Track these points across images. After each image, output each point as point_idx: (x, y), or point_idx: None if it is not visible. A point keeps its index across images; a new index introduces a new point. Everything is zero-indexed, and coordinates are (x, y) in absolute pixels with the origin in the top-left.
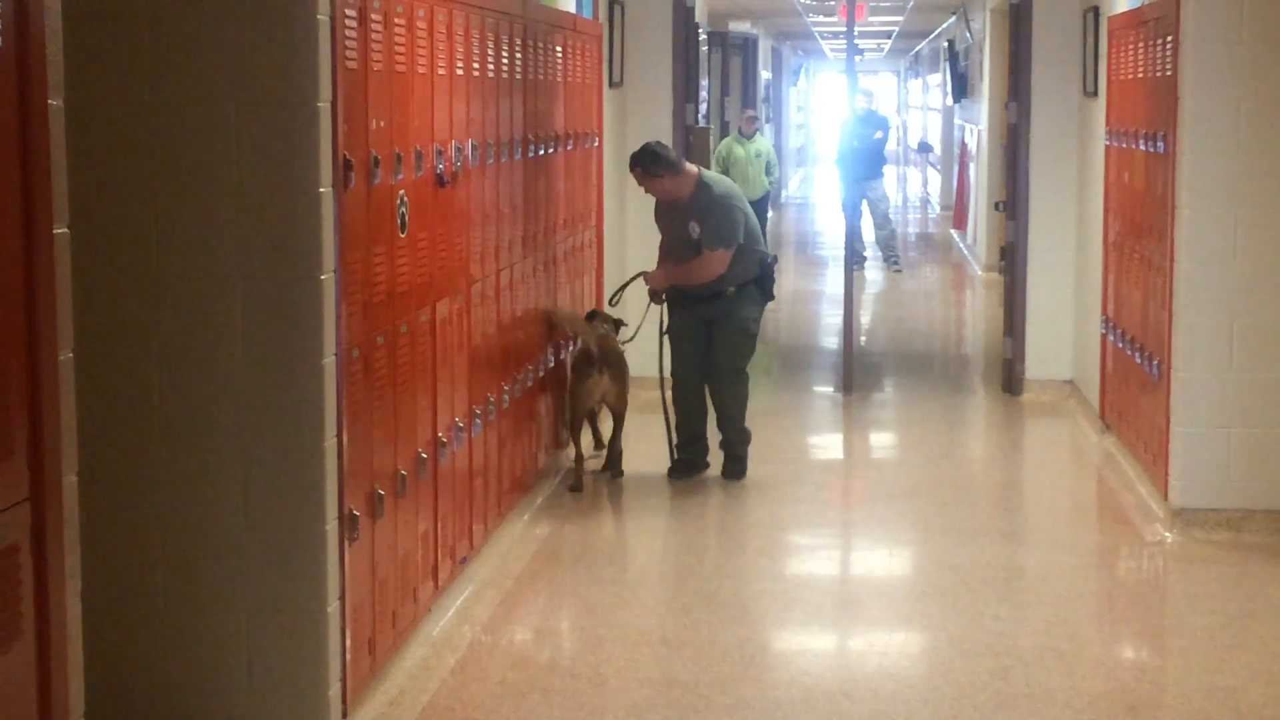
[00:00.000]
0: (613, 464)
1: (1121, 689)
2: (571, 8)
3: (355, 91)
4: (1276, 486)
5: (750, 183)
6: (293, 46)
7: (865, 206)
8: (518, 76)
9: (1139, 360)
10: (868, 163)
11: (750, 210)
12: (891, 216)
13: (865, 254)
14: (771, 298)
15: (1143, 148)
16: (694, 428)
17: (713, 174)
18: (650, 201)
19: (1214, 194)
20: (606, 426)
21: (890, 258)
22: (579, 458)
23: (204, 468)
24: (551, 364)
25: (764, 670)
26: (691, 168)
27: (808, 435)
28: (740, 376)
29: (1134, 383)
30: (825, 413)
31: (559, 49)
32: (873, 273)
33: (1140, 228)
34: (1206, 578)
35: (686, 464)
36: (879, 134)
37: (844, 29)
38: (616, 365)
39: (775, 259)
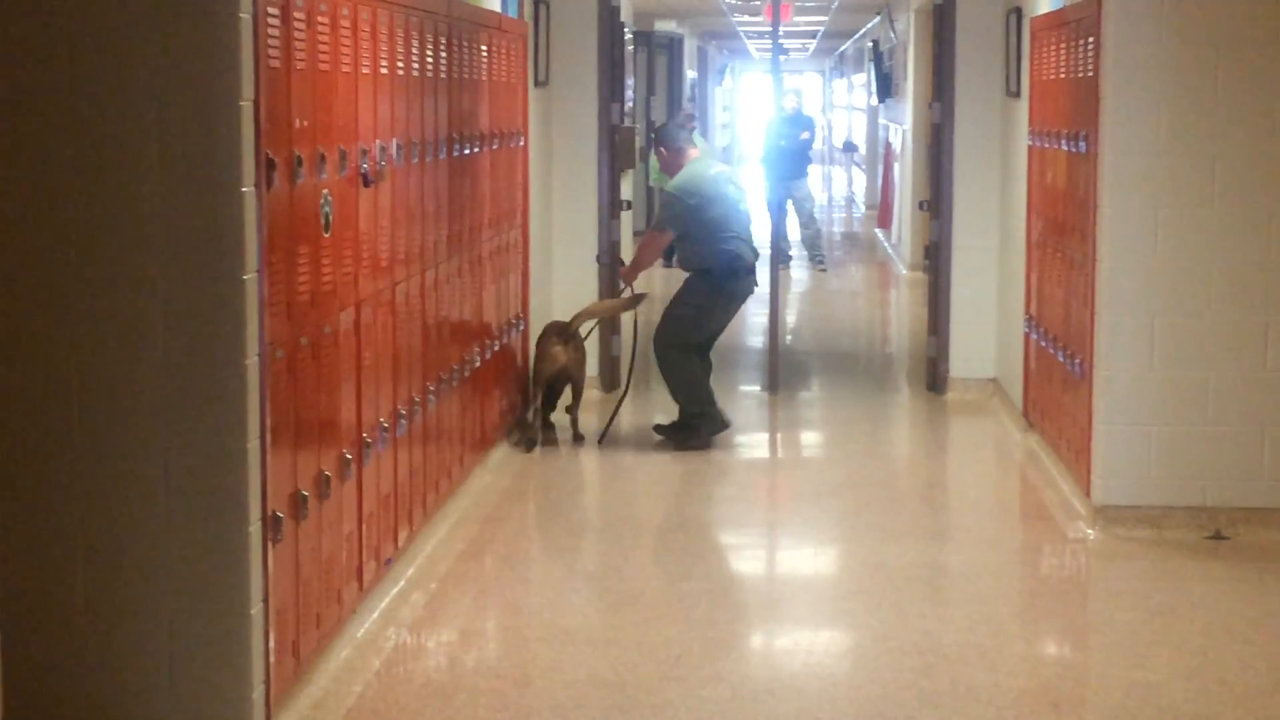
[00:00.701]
0: (573, 429)
1: (1044, 686)
2: (496, 6)
3: (278, 90)
4: (1197, 483)
5: None
6: (214, 45)
7: (791, 206)
8: (442, 75)
9: (1061, 359)
10: (793, 163)
11: (728, 206)
12: (817, 216)
13: (791, 253)
14: (730, 293)
15: (1065, 148)
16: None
17: (695, 166)
18: (575, 202)
19: (1135, 193)
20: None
21: (815, 256)
22: (537, 419)
23: (124, 470)
24: (478, 364)
25: (689, 669)
26: (691, 152)
27: (734, 434)
28: (664, 353)
29: (1056, 381)
30: (751, 412)
31: (484, 48)
32: (798, 271)
33: (1062, 227)
34: (1128, 574)
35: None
36: (805, 134)
37: (769, 29)
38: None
39: (743, 256)
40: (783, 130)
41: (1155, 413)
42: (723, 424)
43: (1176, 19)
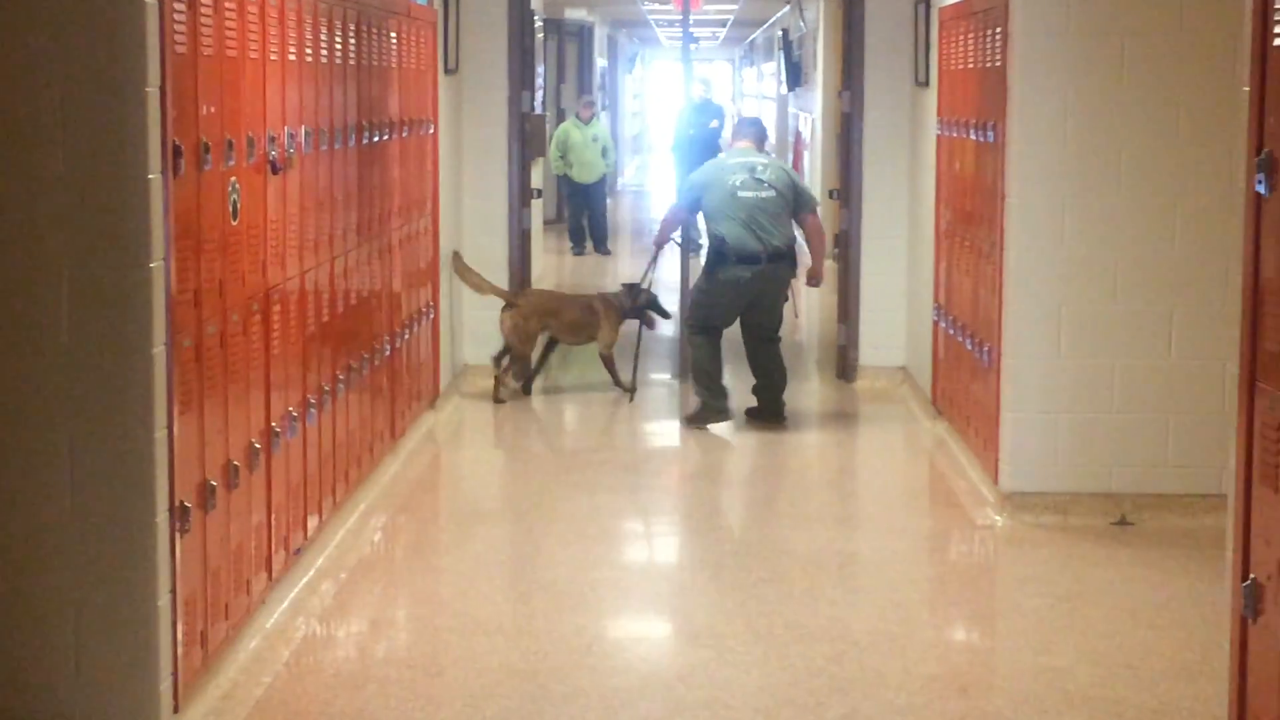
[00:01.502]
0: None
1: (953, 671)
2: None
3: (184, 77)
4: (1103, 470)
5: (588, 166)
6: (120, 31)
7: None
8: (351, 62)
9: (970, 347)
10: (703, 151)
11: (724, 192)
12: None
13: (701, 241)
14: (718, 278)
15: (973, 137)
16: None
17: (723, 155)
18: (486, 190)
19: (1042, 183)
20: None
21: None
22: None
23: (29, 460)
24: (388, 352)
25: (601, 658)
26: (738, 144)
27: (644, 422)
28: (686, 333)
29: (965, 369)
30: (662, 400)
31: (393, 34)
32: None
33: (971, 216)
34: (1035, 560)
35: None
36: (714, 123)
37: (679, 17)
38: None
39: (728, 241)
40: (692, 119)
41: (1062, 400)
42: (718, 414)
43: (1083, 9)
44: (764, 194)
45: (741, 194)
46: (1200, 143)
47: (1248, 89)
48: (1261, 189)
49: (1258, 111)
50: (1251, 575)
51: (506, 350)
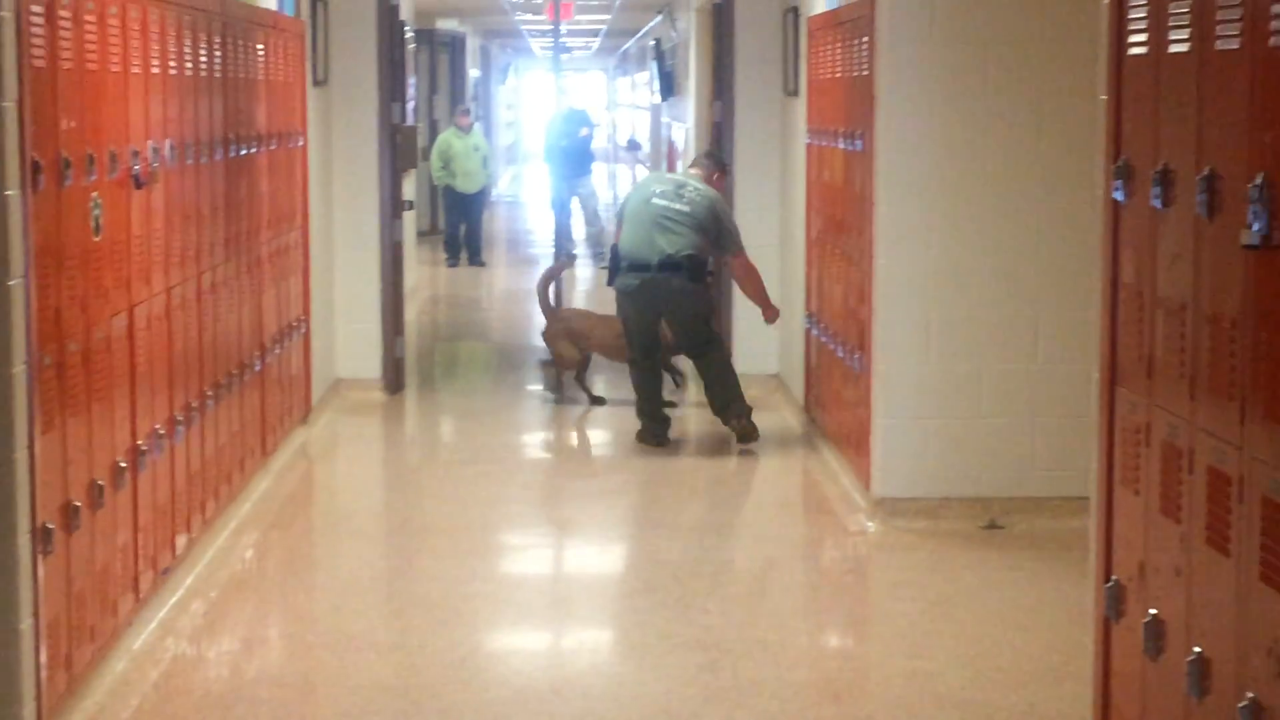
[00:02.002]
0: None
1: (826, 678)
2: (273, 5)
3: (43, 91)
4: (972, 474)
5: (470, 176)
6: None
7: (576, 204)
8: (216, 75)
9: (841, 354)
10: (576, 160)
11: (636, 204)
12: (600, 214)
13: (575, 251)
14: (617, 290)
15: (842, 146)
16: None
17: (664, 171)
18: (357, 202)
19: (910, 191)
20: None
21: (599, 254)
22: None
23: None
24: (258, 367)
25: (475, 672)
26: (692, 168)
27: (519, 434)
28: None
29: (837, 376)
30: (536, 412)
31: (260, 47)
32: (584, 270)
33: (840, 224)
34: (906, 565)
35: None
36: (585, 131)
37: (551, 27)
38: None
39: (618, 250)
40: (562, 128)
41: (932, 406)
42: (652, 437)
43: (947, 19)
44: (676, 205)
45: (655, 201)
46: (1064, 150)
47: (1105, 97)
48: (1119, 196)
49: (1115, 119)
50: (1114, 577)
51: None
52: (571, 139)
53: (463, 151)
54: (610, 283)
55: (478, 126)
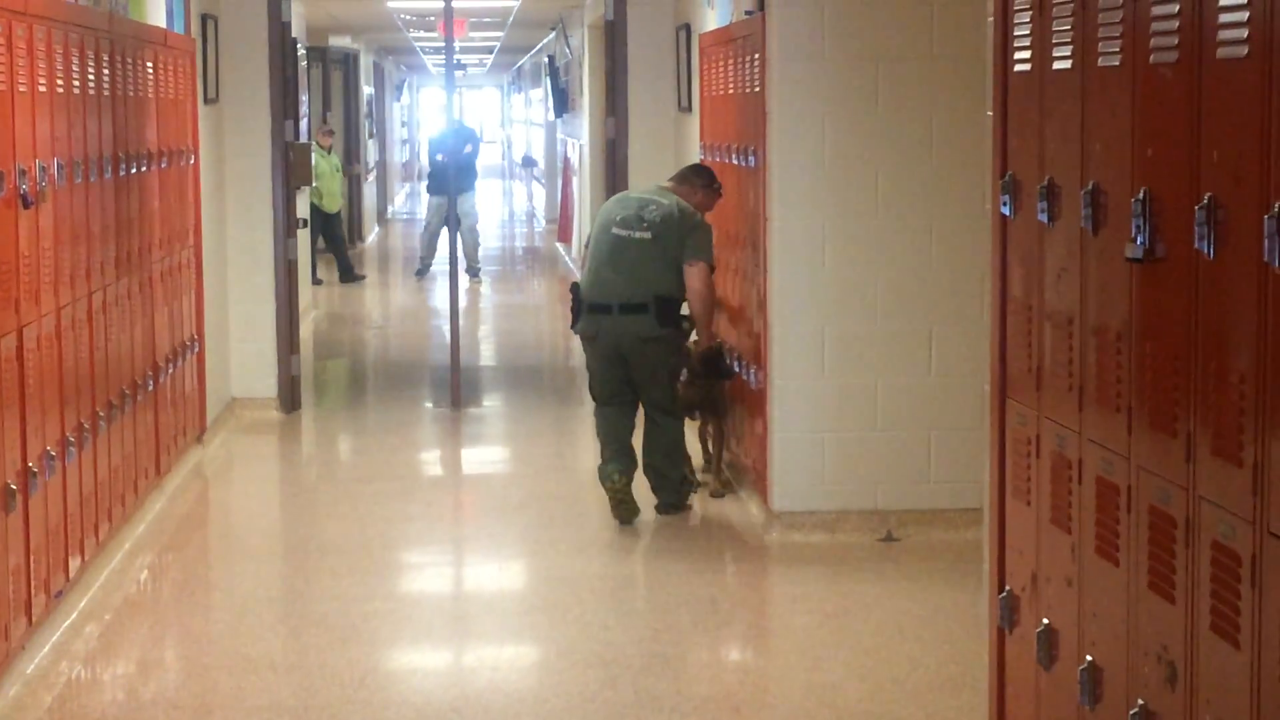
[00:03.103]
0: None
1: (726, 692)
2: (163, 22)
3: None
4: (868, 487)
5: (333, 195)
6: None
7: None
8: (105, 93)
9: (738, 369)
10: (462, 176)
11: (597, 233)
12: (477, 229)
13: (432, 266)
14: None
15: (735, 161)
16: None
17: (635, 188)
18: (250, 220)
19: (801, 207)
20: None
21: (472, 269)
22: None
23: None
24: (151, 387)
25: (374, 691)
26: (665, 181)
27: (417, 452)
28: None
29: (735, 391)
30: (434, 428)
31: (149, 64)
32: (483, 287)
33: (735, 240)
34: (805, 578)
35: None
36: (468, 148)
37: (445, 44)
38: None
39: (580, 290)
40: (446, 144)
41: (828, 420)
42: (609, 491)
43: (837, 36)
44: (638, 235)
45: (615, 231)
46: (953, 166)
47: (991, 113)
48: (1006, 210)
49: (1001, 135)
50: (1007, 587)
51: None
52: (454, 155)
53: (326, 171)
54: (573, 326)
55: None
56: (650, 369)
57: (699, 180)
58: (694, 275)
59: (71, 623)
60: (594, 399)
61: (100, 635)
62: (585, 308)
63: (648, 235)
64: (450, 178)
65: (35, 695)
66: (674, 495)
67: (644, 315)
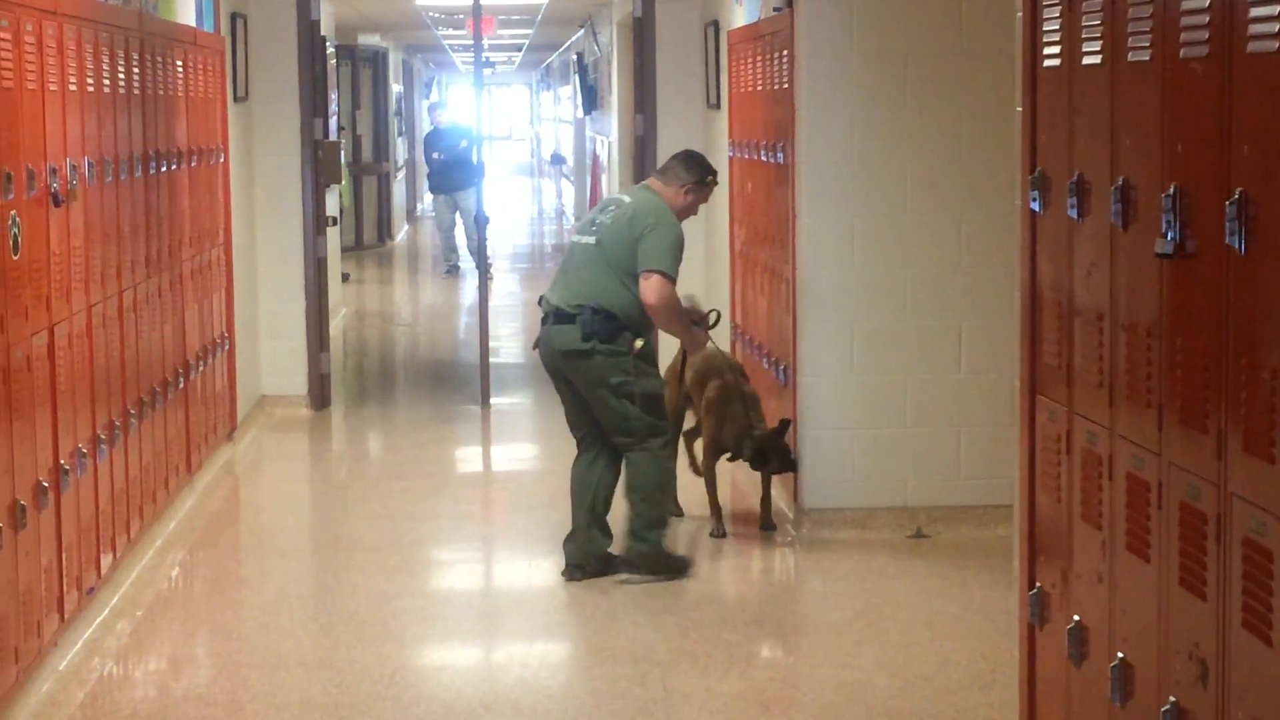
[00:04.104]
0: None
1: (755, 688)
2: (192, 21)
3: None
4: (897, 484)
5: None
6: None
7: (459, 217)
8: (135, 91)
9: (766, 366)
10: (458, 173)
11: (576, 239)
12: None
13: (459, 263)
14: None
15: (764, 158)
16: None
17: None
18: (279, 218)
19: (831, 203)
20: None
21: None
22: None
23: None
24: (182, 385)
25: (404, 689)
26: (652, 180)
27: (447, 448)
28: None
29: (763, 387)
30: (463, 425)
31: (179, 63)
32: (508, 284)
33: (764, 236)
34: (834, 575)
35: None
36: (464, 143)
37: (474, 42)
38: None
39: (546, 300)
40: (439, 143)
41: (857, 417)
42: (570, 566)
43: (866, 32)
44: (585, 240)
45: (574, 237)
46: (982, 161)
47: (1021, 109)
48: (1036, 206)
49: (1030, 131)
50: (1038, 584)
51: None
52: (453, 152)
53: None
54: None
55: (400, 143)
56: (590, 390)
57: (689, 177)
58: (648, 289)
59: (103, 619)
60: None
61: (132, 632)
62: (545, 317)
63: (593, 241)
64: (448, 175)
65: (68, 691)
66: (639, 544)
67: (570, 326)
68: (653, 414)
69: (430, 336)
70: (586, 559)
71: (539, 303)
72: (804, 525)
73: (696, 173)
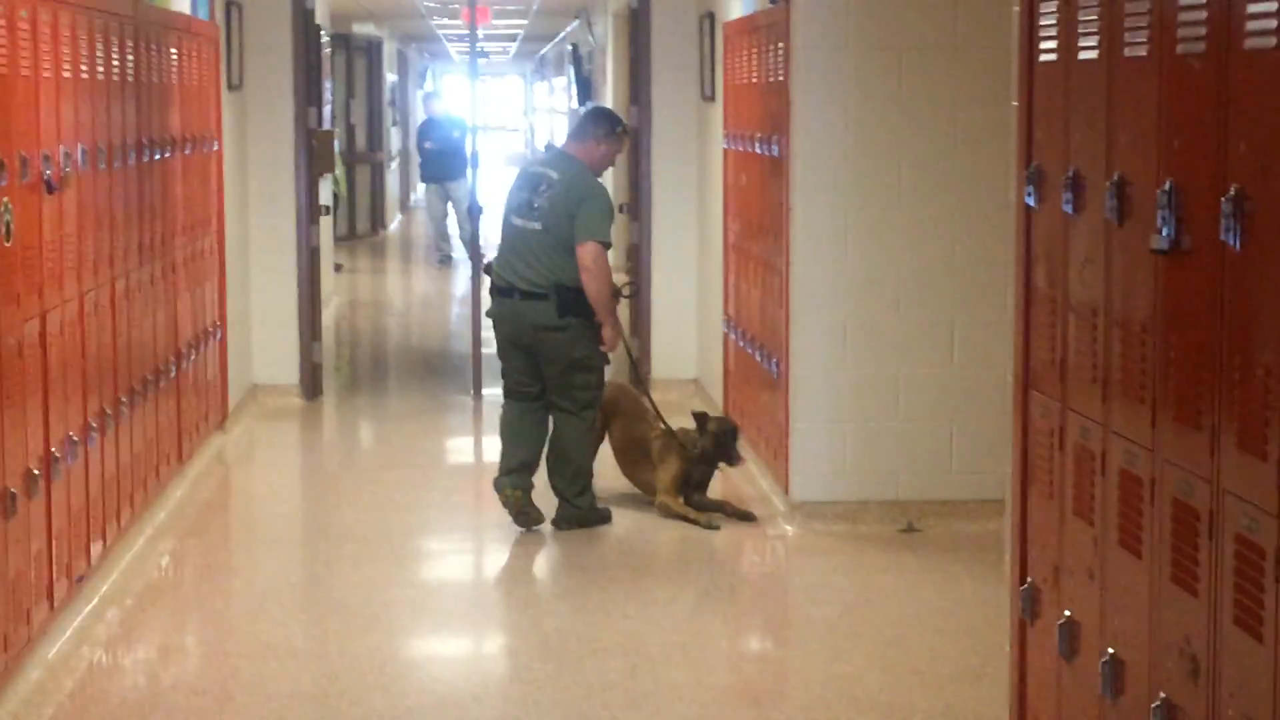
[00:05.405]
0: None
1: (745, 682)
2: (186, 8)
3: None
4: (888, 478)
5: None
6: None
7: (451, 207)
8: (129, 79)
9: (759, 359)
10: (451, 163)
11: (508, 207)
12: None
13: (454, 254)
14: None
15: (758, 151)
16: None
17: (535, 160)
18: (273, 207)
19: (825, 196)
20: None
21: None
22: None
23: None
24: (173, 373)
25: (394, 679)
26: (568, 145)
27: (438, 439)
28: None
29: (755, 381)
30: (455, 416)
31: (173, 51)
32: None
33: (757, 229)
34: (825, 569)
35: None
36: (457, 133)
37: (468, 32)
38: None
39: (493, 269)
40: (432, 133)
41: (849, 410)
42: (515, 513)
43: (862, 25)
44: (530, 225)
45: (514, 219)
46: (977, 155)
47: (1016, 104)
48: (1031, 201)
49: (1026, 125)
50: (1029, 579)
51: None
52: (446, 142)
53: None
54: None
55: (394, 132)
56: (554, 362)
57: (599, 130)
58: (583, 253)
59: (93, 608)
60: (505, 392)
61: (121, 621)
62: (494, 289)
63: (538, 226)
64: (440, 165)
65: (57, 680)
66: (567, 510)
67: (544, 303)
68: (595, 388)
69: (422, 326)
70: (527, 504)
71: (486, 271)
72: (795, 518)
73: (605, 125)
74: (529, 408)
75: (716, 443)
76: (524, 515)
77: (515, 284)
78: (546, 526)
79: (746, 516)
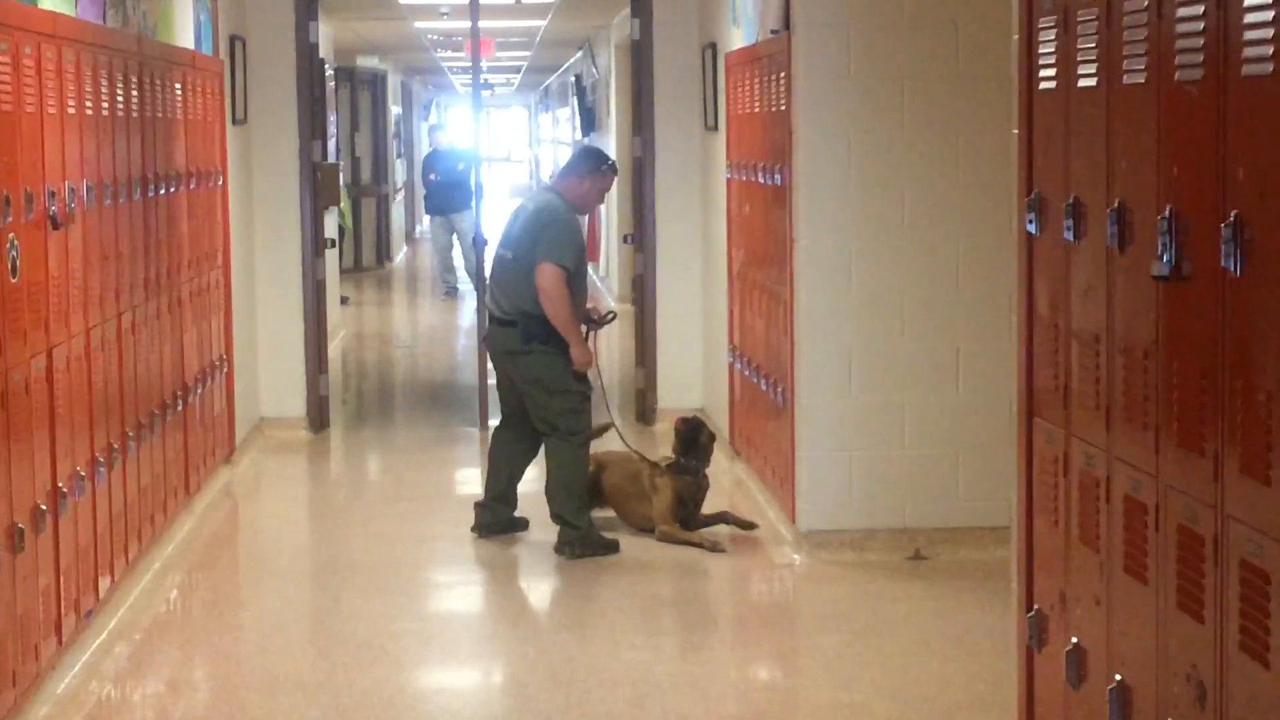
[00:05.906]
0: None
1: (754, 711)
2: (191, 44)
3: None
4: (896, 506)
5: None
6: None
7: (456, 239)
8: (134, 114)
9: (764, 388)
10: (455, 195)
11: (501, 246)
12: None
13: (459, 285)
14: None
15: (762, 180)
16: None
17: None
18: (278, 240)
19: (828, 225)
20: None
21: (480, 287)
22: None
23: None
24: (180, 407)
25: (402, 711)
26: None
27: (445, 471)
28: None
29: (761, 409)
30: (461, 447)
31: (178, 86)
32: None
33: (762, 258)
34: (833, 597)
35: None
36: (461, 166)
37: (472, 64)
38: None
39: (489, 307)
40: (436, 164)
41: (855, 438)
42: (480, 525)
43: (863, 54)
44: (503, 252)
45: (498, 250)
46: (980, 183)
47: (1017, 131)
48: (1032, 228)
49: (1026, 153)
50: (1035, 606)
51: None
52: (451, 174)
53: None
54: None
55: (399, 165)
56: (525, 385)
57: (583, 168)
58: (539, 276)
59: (101, 642)
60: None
61: (130, 655)
62: (492, 321)
63: (509, 254)
64: (445, 197)
65: (65, 715)
66: (568, 533)
67: (512, 329)
68: (576, 413)
69: (429, 358)
70: (495, 521)
71: (489, 301)
72: (802, 547)
73: (590, 163)
74: (515, 435)
75: (684, 444)
76: (482, 525)
77: (494, 312)
78: (556, 559)
79: (748, 525)
